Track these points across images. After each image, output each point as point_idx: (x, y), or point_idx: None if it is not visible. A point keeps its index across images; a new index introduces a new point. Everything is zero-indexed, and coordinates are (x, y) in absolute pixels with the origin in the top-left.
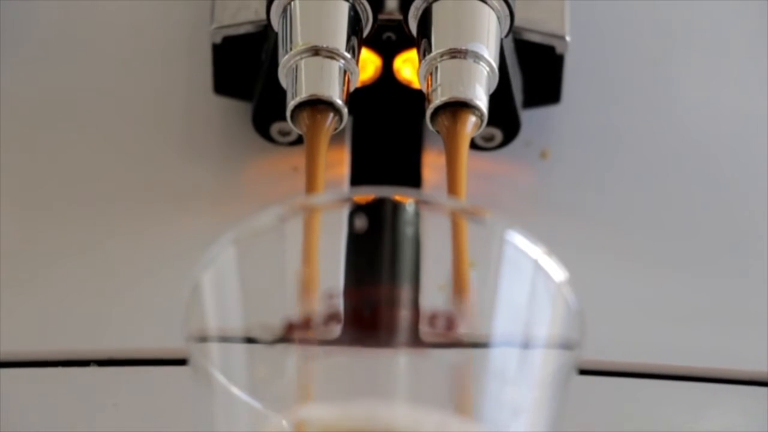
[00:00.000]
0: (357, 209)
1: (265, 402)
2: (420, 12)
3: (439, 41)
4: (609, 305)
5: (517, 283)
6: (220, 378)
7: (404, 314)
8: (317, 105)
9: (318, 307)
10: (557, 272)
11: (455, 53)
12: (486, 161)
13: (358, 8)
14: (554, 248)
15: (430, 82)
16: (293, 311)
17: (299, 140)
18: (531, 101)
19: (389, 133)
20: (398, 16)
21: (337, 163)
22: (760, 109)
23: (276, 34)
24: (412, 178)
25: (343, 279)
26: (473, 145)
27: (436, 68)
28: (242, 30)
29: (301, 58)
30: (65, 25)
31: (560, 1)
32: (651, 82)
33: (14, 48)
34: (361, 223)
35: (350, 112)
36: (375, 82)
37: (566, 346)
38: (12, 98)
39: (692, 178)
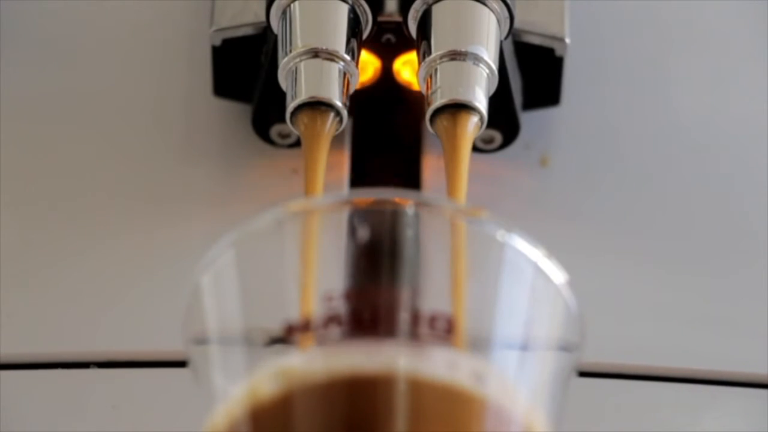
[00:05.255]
0: (356, 212)
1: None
2: (420, 14)
3: (438, 43)
4: (609, 307)
5: (517, 286)
6: (220, 380)
7: (404, 316)
8: (317, 107)
9: (317, 310)
10: (557, 274)
11: (455, 55)
12: (485, 163)
13: (358, 10)
14: (554, 250)
15: (429, 84)
16: (293, 314)
17: (299, 142)
18: (530, 103)
19: (389, 135)
20: (398, 18)
21: (336, 166)
22: (760, 110)
23: (275, 36)
24: (412, 181)
25: (343, 281)
26: (473, 148)
27: (436, 70)
28: (242, 32)
29: (301, 60)
30: (65, 26)
31: (560, 3)
32: (650, 83)
33: (14, 48)
34: (363, 232)
35: (350, 114)
36: (375, 84)
37: (566, 348)
38: (12, 99)
39: (692, 180)
